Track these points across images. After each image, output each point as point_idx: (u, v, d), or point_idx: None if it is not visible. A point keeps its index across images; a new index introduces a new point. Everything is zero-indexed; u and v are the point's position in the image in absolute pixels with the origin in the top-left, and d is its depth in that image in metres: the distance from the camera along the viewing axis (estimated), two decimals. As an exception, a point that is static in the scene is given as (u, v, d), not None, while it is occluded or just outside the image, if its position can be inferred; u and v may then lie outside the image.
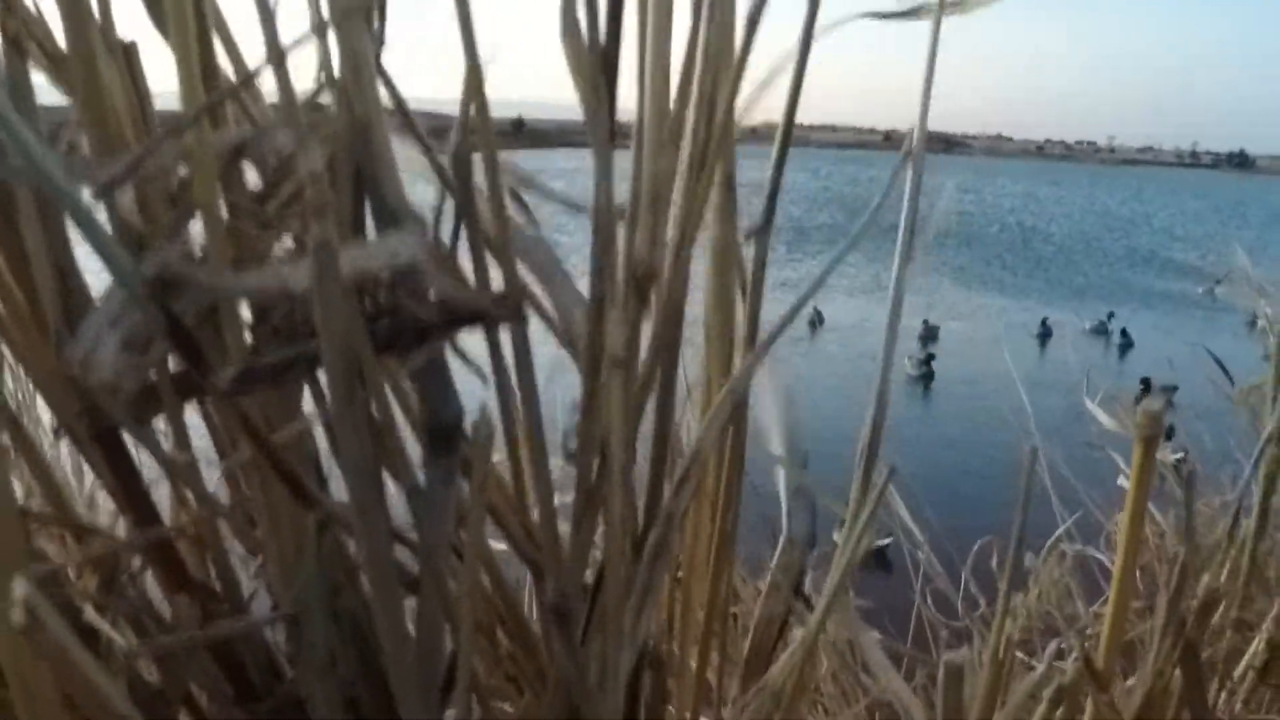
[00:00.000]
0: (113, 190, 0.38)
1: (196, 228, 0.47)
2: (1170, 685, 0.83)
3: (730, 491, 0.72)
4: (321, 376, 0.48)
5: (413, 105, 0.51)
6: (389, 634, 0.46)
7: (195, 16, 0.44)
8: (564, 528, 0.54)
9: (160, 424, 0.55)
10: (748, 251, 0.69)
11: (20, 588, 0.34)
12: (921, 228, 0.71)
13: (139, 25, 0.51)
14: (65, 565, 0.54)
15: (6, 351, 0.52)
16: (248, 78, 0.40)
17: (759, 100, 0.57)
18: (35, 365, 0.51)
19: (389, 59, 0.46)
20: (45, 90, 0.51)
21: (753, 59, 0.53)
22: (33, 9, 0.49)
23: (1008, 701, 0.73)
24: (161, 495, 0.62)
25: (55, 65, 0.48)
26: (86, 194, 0.37)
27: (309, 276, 0.36)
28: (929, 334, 15.84)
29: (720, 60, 0.48)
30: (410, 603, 0.49)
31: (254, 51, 0.50)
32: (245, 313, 0.46)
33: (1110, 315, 17.50)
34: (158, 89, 0.53)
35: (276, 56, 0.38)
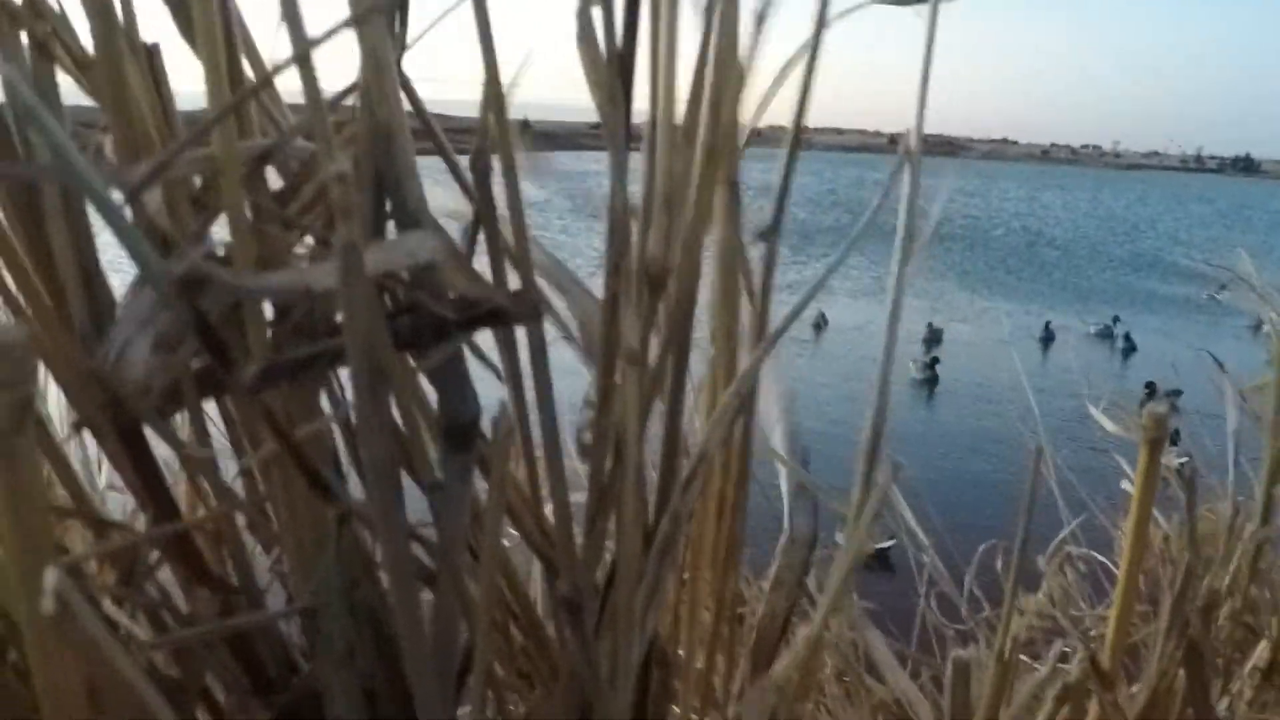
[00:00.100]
0: (142, 191, 0.39)
1: (217, 229, 0.49)
2: (1174, 685, 0.83)
3: (737, 491, 0.73)
4: (342, 374, 0.49)
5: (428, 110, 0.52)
6: (406, 627, 0.46)
7: (221, 20, 0.44)
8: (574, 527, 0.54)
9: (176, 420, 0.56)
10: (755, 253, 0.70)
11: (51, 577, 0.35)
12: (921, 229, 0.72)
13: (158, 27, 0.52)
14: (85, 558, 0.55)
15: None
16: (271, 74, 0.41)
17: (768, 101, 0.58)
18: (57, 361, 0.52)
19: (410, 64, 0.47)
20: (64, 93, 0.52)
21: (761, 60, 0.54)
22: (57, 10, 0.50)
23: (1013, 700, 0.74)
24: (177, 492, 0.63)
25: (81, 68, 0.49)
26: (115, 195, 0.38)
27: (334, 276, 0.36)
28: (933, 337, 15.83)
29: (728, 62, 0.49)
30: (425, 597, 0.50)
31: (276, 56, 0.51)
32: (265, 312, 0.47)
33: (1115, 319, 17.48)
34: (179, 91, 0.54)
35: (301, 56, 0.39)
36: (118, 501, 0.93)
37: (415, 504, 0.48)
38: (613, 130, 0.42)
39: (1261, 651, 1.16)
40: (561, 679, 0.55)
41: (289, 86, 0.46)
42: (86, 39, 0.50)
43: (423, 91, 0.50)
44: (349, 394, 0.54)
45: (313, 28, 0.42)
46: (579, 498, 0.54)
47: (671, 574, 0.63)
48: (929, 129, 0.70)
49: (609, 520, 0.51)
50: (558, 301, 0.50)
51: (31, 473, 0.37)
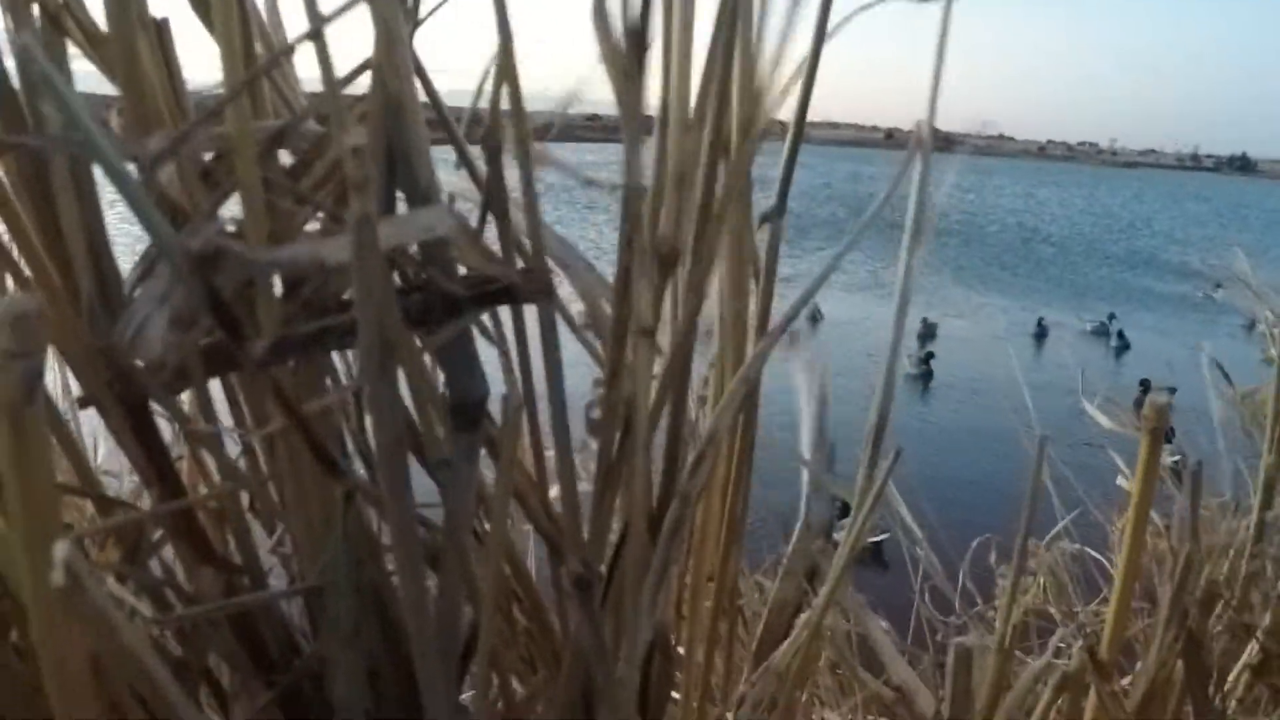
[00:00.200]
0: (159, 165, 0.39)
1: (225, 207, 0.48)
2: (1173, 677, 0.84)
3: (740, 478, 0.73)
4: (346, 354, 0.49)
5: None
6: (412, 606, 0.46)
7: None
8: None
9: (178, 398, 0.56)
10: (760, 240, 0.70)
11: (61, 550, 0.35)
12: (929, 223, 0.72)
13: (165, 2, 0.52)
14: (93, 532, 0.55)
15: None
16: (286, 50, 0.41)
17: (779, 91, 0.58)
18: (64, 337, 0.52)
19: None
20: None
21: (772, 52, 0.54)
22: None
23: (1013, 689, 0.74)
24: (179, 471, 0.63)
25: (93, 42, 0.49)
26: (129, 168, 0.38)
27: (348, 250, 0.36)
28: (928, 332, 15.84)
29: (746, 49, 0.49)
30: (429, 578, 0.50)
31: (290, 32, 0.51)
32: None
33: (1111, 316, 17.49)
34: (187, 66, 0.54)
35: (315, 31, 0.39)
36: (111, 485, 0.93)
37: (419, 488, 0.48)
38: (628, 107, 0.42)
39: (1254, 649, 1.16)
40: (565, 661, 0.55)
41: (302, 70, 0.46)
42: (96, 13, 0.50)
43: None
44: (355, 373, 0.54)
45: (326, 3, 0.42)
46: (583, 487, 0.54)
47: (678, 557, 0.63)
48: (915, 125, 0.70)
49: (616, 498, 0.51)
50: (564, 282, 0.50)
51: (40, 444, 0.37)
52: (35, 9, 0.47)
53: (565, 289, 0.53)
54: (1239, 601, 1.16)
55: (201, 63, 0.53)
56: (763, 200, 0.71)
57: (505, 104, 0.48)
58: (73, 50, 0.51)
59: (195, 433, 0.52)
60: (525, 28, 0.43)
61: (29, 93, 0.47)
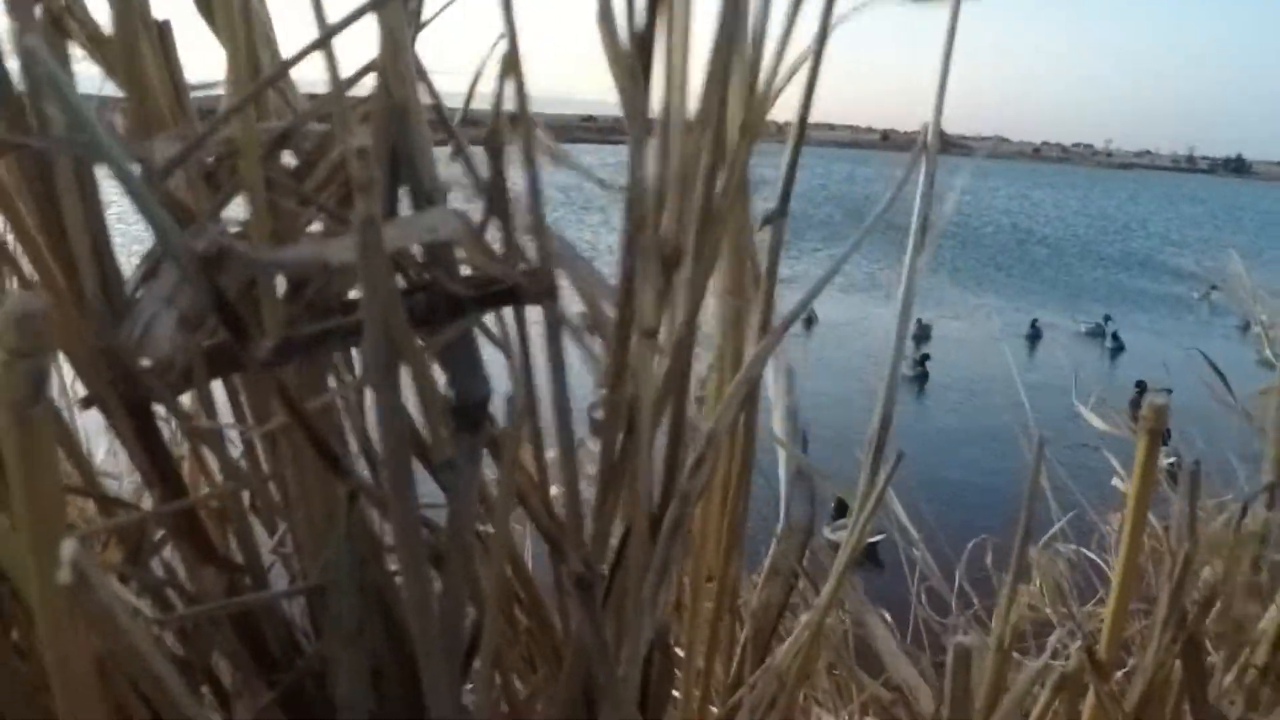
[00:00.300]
0: (170, 172, 0.39)
1: (228, 208, 0.49)
2: (1170, 676, 0.84)
3: (741, 478, 0.73)
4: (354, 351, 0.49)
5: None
6: (416, 606, 0.46)
7: (241, 3, 0.44)
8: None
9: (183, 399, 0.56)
10: (760, 242, 0.70)
11: (68, 549, 0.35)
12: (935, 225, 0.73)
13: (167, 4, 0.52)
14: (97, 531, 0.55)
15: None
16: (294, 60, 0.41)
17: (780, 92, 0.58)
18: (67, 337, 0.52)
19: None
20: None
21: (773, 53, 0.54)
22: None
23: (1011, 689, 0.75)
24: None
25: (95, 43, 0.49)
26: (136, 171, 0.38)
27: (352, 251, 0.36)
28: (922, 333, 15.84)
29: (745, 51, 0.49)
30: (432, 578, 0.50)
31: (291, 40, 0.51)
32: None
33: (1107, 318, 17.50)
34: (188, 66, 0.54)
35: (324, 39, 0.39)
36: (109, 486, 0.93)
37: (421, 489, 0.48)
38: (632, 108, 0.42)
39: (1250, 651, 1.16)
40: (567, 660, 0.55)
41: (304, 72, 0.46)
42: (99, 14, 0.50)
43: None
44: (358, 373, 0.54)
45: (331, 7, 0.42)
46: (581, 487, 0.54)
47: (679, 556, 0.63)
48: (921, 126, 0.70)
49: (619, 499, 0.51)
50: (567, 283, 0.50)
51: (47, 443, 0.37)
52: (38, 10, 0.47)
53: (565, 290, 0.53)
54: (1240, 599, 1.16)
55: (202, 61, 0.53)
56: (763, 201, 0.71)
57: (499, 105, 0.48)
58: (74, 51, 0.51)
59: (198, 430, 0.52)
60: (524, 25, 0.43)
61: (33, 94, 0.47)
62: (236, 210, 0.48)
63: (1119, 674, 0.93)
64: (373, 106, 0.44)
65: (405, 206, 0.47)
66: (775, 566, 0.84)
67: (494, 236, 0.50)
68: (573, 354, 0.53)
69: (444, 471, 0.46)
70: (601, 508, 0.51)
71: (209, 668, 0.59)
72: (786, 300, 0.67)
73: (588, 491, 0.54)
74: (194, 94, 0.54)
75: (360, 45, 0.44)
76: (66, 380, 0.75)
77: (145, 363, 0.38)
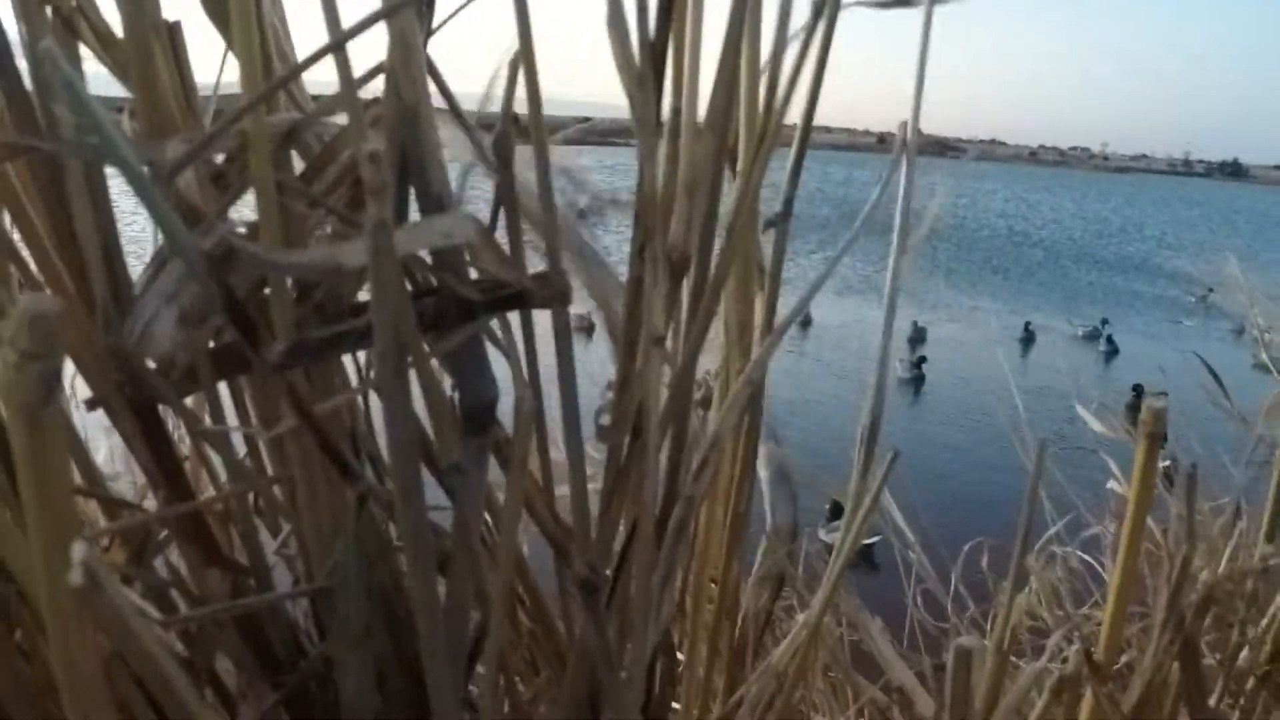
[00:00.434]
0: (179, 172, 0.39)
1: (235, 209, 0.49)
2: (1169, 679, 0.84)
3: (744, 481, 0.73)
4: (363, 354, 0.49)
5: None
6: (423, 609, 0.47)
7: (255, 5, 0.45)
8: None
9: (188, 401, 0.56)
10: (765, 246, 0.70)
11: (79, 551, 0.35)
12: (914, 227, 0.73)
13: (176, 5, 0.53)
14: (105, 533, 0.55)
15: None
16: (306, 64, 0.41)
17: (785, 99, 0.58)
18: (75, 339, 0.52)
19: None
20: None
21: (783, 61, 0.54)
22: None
23: (1010, 691, 0.75)
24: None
25: (105, 45, 0.49)
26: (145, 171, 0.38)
27: (364, 254, 0.37)
28: (918, 336, 15.84)
29: (754, 59, 0.49)
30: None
31: (302, 41, 0.51)
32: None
33: (1104, 321, 17.50)
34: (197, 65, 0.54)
35: (336, 43, 0.39)
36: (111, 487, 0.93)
37: (426, 493, 0.48)
38: (643, 116, 0.42)
39: (1246, 654, 1.17)
40: (571, 663, 0.55)
41: (314, 72, 0.46)
42: (109, 15, 0.50)
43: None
44: (365, 376, 0.55)
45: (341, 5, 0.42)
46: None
47: (684, 559, 0.63)
48: (899, 126, 0.71)
49: (624, 503, 0.51)
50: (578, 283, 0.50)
51: (58, 446, 0.38)
52: (49, 12, 0.47)
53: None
54: (1241, 602, 1.16)
55: (211, 61, 0.54)
56: (764, 203, 0.71)
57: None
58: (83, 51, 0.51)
59: (205, 432, 0.52)
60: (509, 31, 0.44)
61: (42, 95, 0.47)
62: (244, 212, 0.48)
63: (1115, 674, 0.93)
64: (383, 110, 0.44)
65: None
66: (763, 573, 0.84)
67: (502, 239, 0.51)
68: (577, 358, 0.53)
69: (451, 475, 0.46)
70: (606, 512, 0.51)
71: (213, 669, 0.60)
72: (784, 302, 0.68)
73: (591, 495, 0.55)
74: (204, 95, 0.54)
75: (370, 45, 0.45)
76: (68, 380, 0.75)
77: (148, 361, 0.39)
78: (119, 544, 0.62)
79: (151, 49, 0.47)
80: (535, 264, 0.47)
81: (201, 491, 0.64)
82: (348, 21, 0.41)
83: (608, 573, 0.52)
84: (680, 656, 0.80)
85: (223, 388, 0.56)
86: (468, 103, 0.51)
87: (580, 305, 0.49)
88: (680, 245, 0.46)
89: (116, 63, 0.49)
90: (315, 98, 0.57)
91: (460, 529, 0.48)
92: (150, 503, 0.64)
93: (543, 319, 0.52)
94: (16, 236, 0.52)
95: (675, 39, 0.47)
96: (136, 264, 0.51)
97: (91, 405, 0.54)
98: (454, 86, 0.49)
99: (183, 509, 0.54)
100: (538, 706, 0.62)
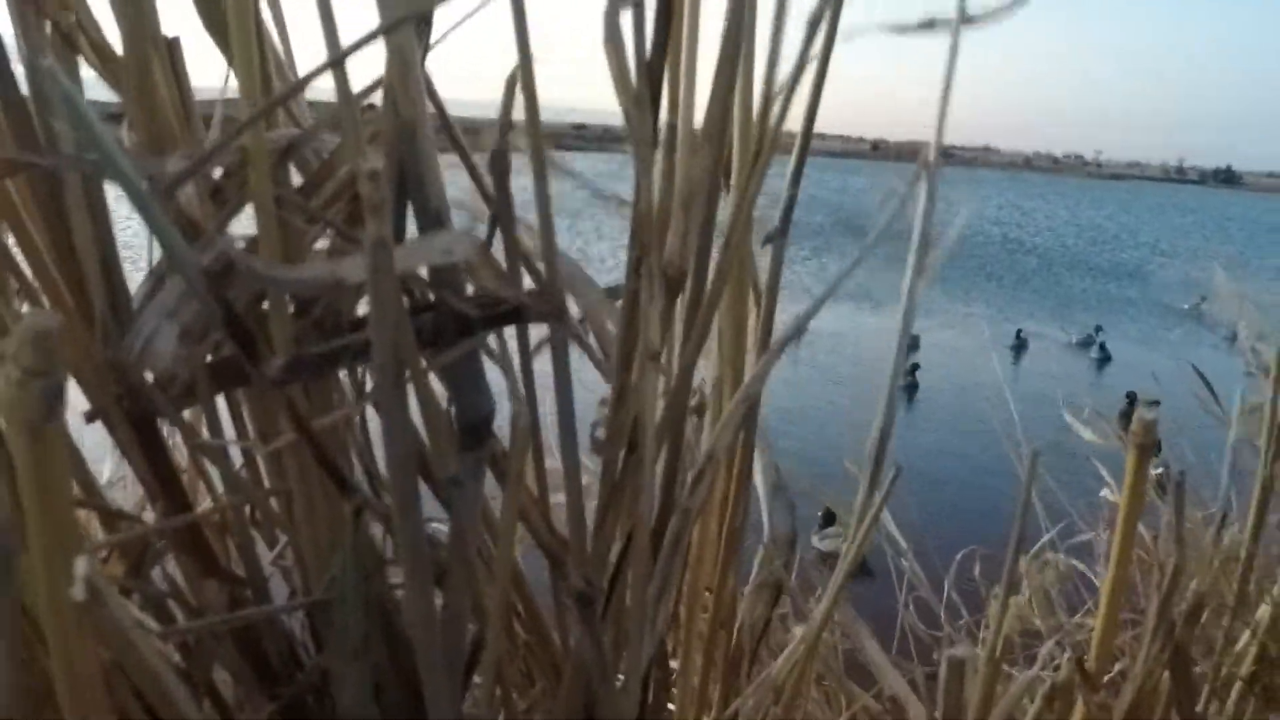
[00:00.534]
0: (179, 186, 0.40)
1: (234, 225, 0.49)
2: (1159, 687, 0.85)
3: (739, 493, 0.73)
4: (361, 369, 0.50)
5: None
6: (419, 621, 0.47)
7: (254, 21, 0.45)
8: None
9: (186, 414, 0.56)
10: (761, 259, 0.71)
11: (82, 565, 0.35)
12: (935, 241, 0.73)
13: (173, 20, 0.53)
14: (103, 546, 0.55)
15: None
16: (304, 81, 0.42)
17: (784, 110, 0.59)
18: (73, 352, 0.52)
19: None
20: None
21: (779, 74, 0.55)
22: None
23: (1002, 700, 0.75)
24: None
25: (104, 59, 0.49)
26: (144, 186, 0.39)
27: (363, 270, 0.37)
28: (912, 343, 15.82)
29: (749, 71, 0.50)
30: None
31: (302, 41, 0.51)
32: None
33: (1098, 328, 17.52)
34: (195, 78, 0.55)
35: (335, 60, 0.39)
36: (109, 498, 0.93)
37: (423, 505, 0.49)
38: (639, 133, 0.42)
39: (1239, 659, 1.17)
40: (566, 674, 0.55)
41: (312, 85, 0.46)
42: (109, 31, 0.50)
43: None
44: (362, 391, 0.55)
45: (339, 10, 0.43)
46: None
47: (681, 569, 0.64)
48: (913, 137, 0.71)
49: (619, 516, 0.51)
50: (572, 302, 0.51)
51: (60, 461, 0.38)
52: (48, 26, 0.48)
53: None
54: (1232, 607, 1.17)
55: (208, 73, 0.54)
56: (758, 211, 0.72)
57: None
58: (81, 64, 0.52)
59: (203, 445, 0.52)
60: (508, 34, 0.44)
61: (41, 109, 0.47)
62: (244, 227, 0.48)
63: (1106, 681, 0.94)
64: (381, 126, 0.44)
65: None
66: (760, 582, 0.85)
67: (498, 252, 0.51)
68: (573, 370, 0.54)
69: (448, 488, 0.46)
70: (602, 526, 0.51)
71: (210, 681, 0.60)
72: (780, 309, 0.68)
73: (587, 508, 0.55)
74: (205, 101, 0.54)
75: (368, 58, 0.45)
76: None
77: (148, 376, 0.39)
78: (117, 554, 0.63)
79: (151, 65, 0.47)
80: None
81: (198, 503, 0.65)
82: (346, 37, 0.41)
83: (603, 585, 0.52)
84: (674, 666, 0.80)
85: (220, 400, 0.56)
86: (480, 109, 0.52)
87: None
88: (676, 260, 0.46)
89: (115, 76, 0.50)
90: (312, 104, 0.57)
91: (457, 541, 0.48)
92: (148, 514, 0.64)
93: (538, 330, 0.52)
94: (16, 250, 0.53)
95: (671, 53, 0.47)
96: (131, 270, 0.52)
97: (90, 417, 0.55)
98: (464, 90, 0.50)
99: (180, 520, 0.54)
100: (533, 718, 0.62)
